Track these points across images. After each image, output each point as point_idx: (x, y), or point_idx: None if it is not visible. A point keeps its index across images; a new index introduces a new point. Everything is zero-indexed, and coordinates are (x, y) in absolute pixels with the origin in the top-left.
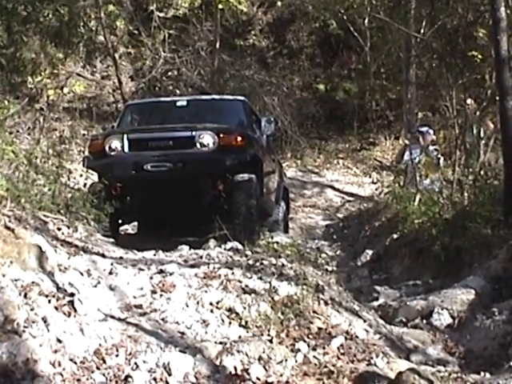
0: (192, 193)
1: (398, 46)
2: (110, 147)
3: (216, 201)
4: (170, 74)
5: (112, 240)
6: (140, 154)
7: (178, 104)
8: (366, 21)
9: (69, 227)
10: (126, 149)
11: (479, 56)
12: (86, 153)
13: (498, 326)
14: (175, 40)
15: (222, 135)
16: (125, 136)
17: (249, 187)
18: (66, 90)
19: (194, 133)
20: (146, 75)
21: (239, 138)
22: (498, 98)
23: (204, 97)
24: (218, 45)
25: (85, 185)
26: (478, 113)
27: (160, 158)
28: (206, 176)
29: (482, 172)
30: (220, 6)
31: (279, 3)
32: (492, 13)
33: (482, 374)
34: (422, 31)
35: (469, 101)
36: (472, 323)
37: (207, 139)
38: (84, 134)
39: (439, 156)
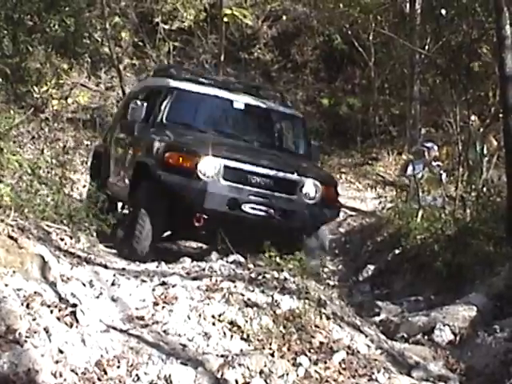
0: (276, 239)
1: (402, 61)
2: (203, 170)
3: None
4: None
5: (114, 251)
6: (236, 187)
7: (236, 106)
8: (371, 36)
9: (71, 237)
10: (221, 176)
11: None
12: (155, 159)
13: (499, 343)
14: (180, 52)
15: (325, 186)
16: (222, 161)
17: (326, 236)
18: (70, 100)
19: (299, 178)
20: None
21: (336, 191)
22: (501, 115)
23: (260, 103)
24: (222, 57)
25: (89, 196)
26: (481, 129)
27: (261, 201)
28: (302, 230)
29: (484, 189)
30: (225, 19)
31: (284, 17)
32: (497, 30)
33: None
34: (426, 47)
35: (473, 117)
36: (473, 340)
37: (310, 188)
38: (87, 145)
39: (442, 172)
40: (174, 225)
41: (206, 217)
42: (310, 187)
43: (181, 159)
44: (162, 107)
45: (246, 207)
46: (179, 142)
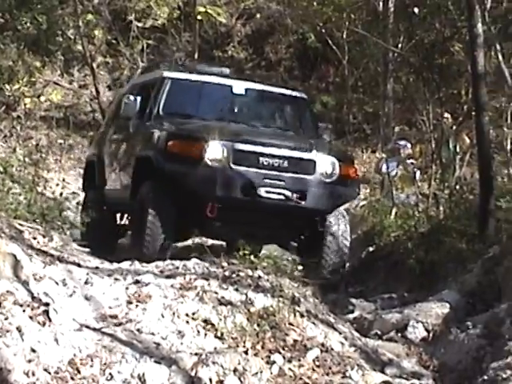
0: (292, 227)
1: (376, 60)
2: (211, 156)
3: (309, 236)
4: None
5: (87, 249)
6: (249, 171)
7: (235, 91)
8: (345, 34)
9: (44, 236)
10: (231, 161)
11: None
12: (157, 150)
13: (472, 339)
14: (153, 50)
15: (343, 163)
16: (230, 144)
17: (346, 218)
18: (43, 98)
19: (313, 155)
20: (123, 85)
21: (353, 166)
22: (474, 113)
23: (261, 86)
24: (196, 55)
25: (61, 194)
26: (454, 127)
27: (276, 184)
28: (323, 212)
29: (457, 186)
30: (199, 17)
31: (258, 15)
32: (469, 29)
33: None
34: (399, 46)
35: (446, 115)
36: (446, 337)
37: (327, 166)
38: (60, 143)
39: (415, 170)
40: (186, 220)
41: (219, 206)
42: (327, 165)
43: (185, 147)
44: (158, 99)
45: (262, 191)
46: (182, 130)
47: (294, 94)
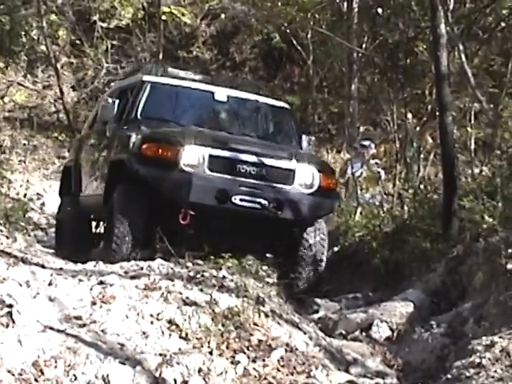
0: (267, 236)
1: (341, 60)
2: (185, 160)
3: (284, 245)
4: (111, 84)
5: (52, 251)
6: (224, 178)
7: (217, 98)
8: (309, 35)
9: (8, 237)
10: (206, 166)
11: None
12: (131, 153)
13: (435, 338)
14: (118, 51)
15: (322, 174)
16: (206, 150)
17: (325, 231)
18: (6, 99)
19: (293, 164)
20: (88, 85)
21: (333, 178)
22: (437, 113)
23: (244, 94)
24: (161, 56)
25: (25, 195)
26: (418, 128)
27: (252, 192)
28: (300, 223)
29: (421, 186)
30: (163, 18)
31: (223, 16)
32: (432, 29)
33: None
34: (363, 46)
35: (409, 115)
36: (410, 336)
37: (308, 176)
38: (24, 144)
39: (380, 170)
40: (156, 226)
41: (192, 213)
42: (307, 175)
43: (160, 150)
44: (136, 103)
45: (237, 199)
46: (157, 133)
47: (277, 104)
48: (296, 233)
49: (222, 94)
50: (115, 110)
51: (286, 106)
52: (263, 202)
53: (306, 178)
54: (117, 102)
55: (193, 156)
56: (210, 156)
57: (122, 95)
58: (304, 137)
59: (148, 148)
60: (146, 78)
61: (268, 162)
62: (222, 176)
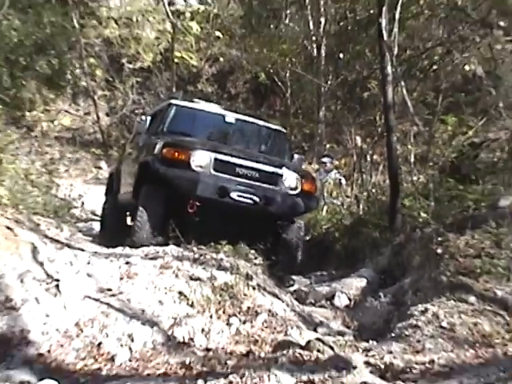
0: (258, 226)
1: (311, 93)
2: (196, 162)
3: (271, 235)
4: (136, 111)
5: (90, 238)
6: (225, 177)
7: (227, 120)
8: (287, 74)
9: (56, 228)
10: (212, 168)
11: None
12: (154, 156)
13: (383, 306)
14: (141, 86)
15: (305, 180)
16: (212, 154)
17: (302, 229)
18: (56, 122)
19: (281, 171)
20: (118, 112)
21: (314, 184)
22: (385, 134)
23: (249, 119)
24: (174, 90)
25: (69, 195)
26: (370, 145)
27: (247, 190)
28: (284, 217)
29: (373, 190)
30: (176, 61)
31: (221, 59)
32: (381, 70)
33: (371, 342)
34: (329, 82)
35: (358, 138)
36: (364, 304)
37: (292, 180)
38: (69, 157)
39: (341, 177)
40: (170, 218)
41: (198, 204)
42: (292, 179)
43: (176, 153)
44: (163, 119)
45: (234, 195)
46: (175, 140)
47: (274, 127)
48: (280, 227)
49: (231, 117)
50: (147, 125)
51: (283, 129)
52: (255, 198)
53: (291, 182)
54: (149, 118)
55: (202, 158)
56: (215, 159)
57: (154, 115)
58: (295, 155)
59: (167, 151)
60: (172, 101)
61: (261, 167)
62: (223, 176)
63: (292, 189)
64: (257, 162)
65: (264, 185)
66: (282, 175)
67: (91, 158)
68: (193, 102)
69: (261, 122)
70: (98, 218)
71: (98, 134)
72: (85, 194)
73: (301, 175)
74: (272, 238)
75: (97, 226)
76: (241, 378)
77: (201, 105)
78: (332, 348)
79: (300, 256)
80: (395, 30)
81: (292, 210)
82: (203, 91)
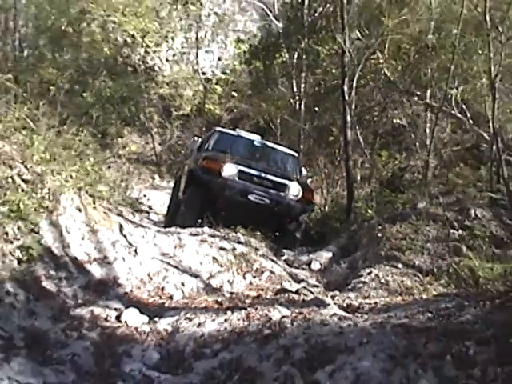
0: (267, 220)
1: (294, 133)
2: (225, 172)
3: (276, 227)
4: (180, 143)
5: (152, 222)
6: (246, 184)
7: (255, 144)
8: (278, 120)
9: (133, 215)
10: (237, 176)
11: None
12: (197, 165)
13: (342, 269)
14: (182, 126)
15: (304, 189)
16: (238, 167)
17: (303, 224)
18: (127, 148)
19: (287, 182)
20: (166, 143)
21: (312, 194)
22: (344, 161)
23: (272, 144)
24: (204, 129)
25: (138, 195)
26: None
27: (261, 194)
28: (287, 215)
29: (335, 196)
30: (206, 110)
31: (235, 110)
32: (343, 118)
33: (336, 291)
34: (307, 126)
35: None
36: (330, 268)
37: (295, 190)
38: (135, 172)
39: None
40: (207, 208)
41: (225, 202)
42: (295, 189)
43: (212, 164)
44: (209, 140)
45: (251, 196)
46: (212, 155)
47: (290, 152)
48: (286, 221)
49: (258, 142)
50: (198, 144)
51: (295, 154)
52: (267, 200)
53: (294, 191)
54: (199, 140)
55: (230, 169)
56: (240, 171)
57: (204, 138)
58: (303, 171)
59: (206, 163)
60: (217, 128)
61: (273, 178)
62: (245, 183)
63: (295, 196)
64: (270, 174)
65: (274, 191)
66: (287, 185)
67: (149, 173)
68: (234, 130)
69: (280, 148)
70: (154, 211)
71: (153, 157)
72: (147, 195)
73: (302, 187)
74: (276, 228)
75: (153, 216)
76: (255, 310)
77: (238, 132)
78: (312, 293)
79: (298, 240)
80: (352, 93)
81: (293, 210)
82: None
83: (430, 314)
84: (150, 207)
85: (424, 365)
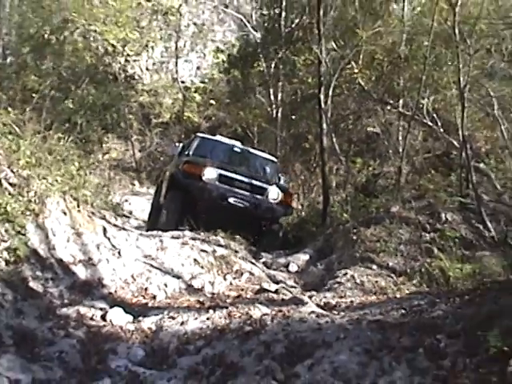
0: (247, 223)
1: (271, 140)
2: (206, 175)
3: (256, 229)
4: (159, 150)
5: (135, 226)
6: (226, 187)
7: (235, 149)
8: (256, 128)
9: (116, 218)
10: (217, 180)
11: (310, 145)
12: (178, 170)
13: (319, 271)
14: (161, 133)
15: (284, 193)
16: (218, 171)
17: (281, 226)
18: (107, 155)
19: (267, 186)
20: (146, 150)
21: (291, 198)
22: (321, 167)
23: (252, 150)
24: (183, 137)
25: (119, 200)
26: (309, 175)
27: (241, 197)
28: (266, 218)
29: (312, 201)
30: (184, 118)
31: (213, 118)
32: (319, 126)
33: (312, 292)
34: (283, 133)
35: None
36: (307, 270)
37: (274, 193)
38: (115, 177)
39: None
40: (187, 211)
41: (205, 205)
42: (274, 192)
43: (193, 169)
44: (190, 145)
45: (231, 200)
46: (193, 159)
47: (269, 157)
48: (265, 224)
49: (238, 147)
50: (179, 149)
51: (274, 159)
52: (247, 203)
53: (273, 194)
54: (180, 144)
55: (210, 173)
56: (220, 174)
57: (185, 143)
58: (282, 177)
59: (187, 167)
60: (198, 134)
61: (252, 182)
62: (225, 186)
63: (274, 199)
64: (249, 178)
65: (253, 195)
66: (267, 189)
67: (129, 179)
68: (214, 135)
69: (259, 153)
70: (135, 216)
71: (133, 164)
72: (128, 200)
73: (282, 190)
74: (256, 231)
75: (133, 222)
76: (236, 309)
77: (218, 137)
78: (291, 293)
79: (277, 242)
80: (328, 102)
81: (272, 213)
82: None
83: (403, 311)
84: (130, 212)
85: (398, 357)
